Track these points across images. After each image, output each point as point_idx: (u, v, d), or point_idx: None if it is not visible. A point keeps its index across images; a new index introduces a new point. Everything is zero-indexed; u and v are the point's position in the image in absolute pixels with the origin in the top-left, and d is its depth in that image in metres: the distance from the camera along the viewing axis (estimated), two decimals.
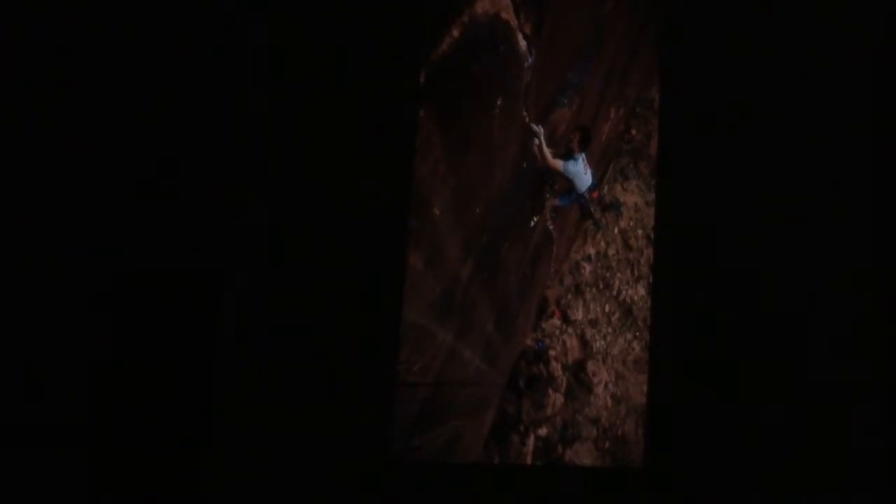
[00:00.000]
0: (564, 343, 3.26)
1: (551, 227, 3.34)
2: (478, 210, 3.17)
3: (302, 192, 3.04)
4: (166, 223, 2.93)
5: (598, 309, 3.28)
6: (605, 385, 3.18)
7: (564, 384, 3.20)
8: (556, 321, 3.28)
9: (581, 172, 3.29)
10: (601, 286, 3.31)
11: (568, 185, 3.31)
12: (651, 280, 3.18)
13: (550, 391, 3.19)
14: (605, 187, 3.36)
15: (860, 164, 2.88)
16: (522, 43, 3.17)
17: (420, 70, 3.08)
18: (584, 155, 3.29)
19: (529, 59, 3.19)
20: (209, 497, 2.87)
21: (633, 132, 3.38)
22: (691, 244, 2.96)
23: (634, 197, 3.33)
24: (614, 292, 3.29)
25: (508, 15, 3.14)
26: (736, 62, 2.96)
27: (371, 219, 3.02)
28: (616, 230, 3.33)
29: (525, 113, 3.22)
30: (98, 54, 2.94)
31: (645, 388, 3.07)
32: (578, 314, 3.28)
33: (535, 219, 3.30)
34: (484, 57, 3.14)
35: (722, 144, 2.95)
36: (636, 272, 3.27)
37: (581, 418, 3.16)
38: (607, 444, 3.11)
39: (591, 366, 3.21)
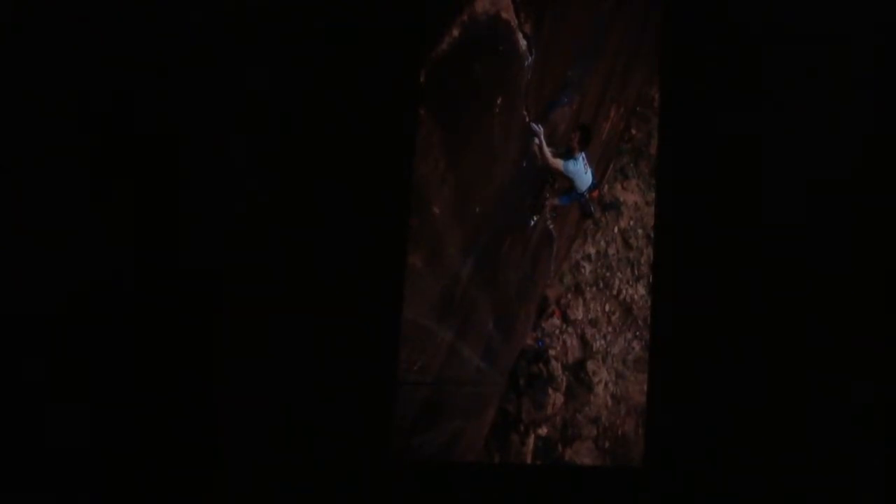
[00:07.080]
0: (564, 342, 3.26)
1: (551, 226, 3.34)
2: (478, 209, 3.17)
3: (302, 191, 3.04)
4: (166, 223, 2.93)
5: (598, 308, 3.28)
6: (605, 384, 3.18)
7: (564, 383, 3.20)
8: (556, 320, 3.28)
9: (581, 171, 3.29)
10: (601, 285, 3.31)
11: (568, 184, 3.31)
12: (651, 279, 3.18)
13: (550, 390, 3.19)
14: (606, 186, 3.36)
15: (862, 163, 2.88)
16: (522, 42, 3.17)
17: (420, 70, 3.08)
18: (584, 154, 3.29)
19: (529, 59, 3.18)
20: (209, 496, 2.88)
21: (634, 131, 3.38)
22: (691, 244, 2.95)
23: (634, 196, 3.33)
24: (614, 291, 3.29)
25: (508, 14, 3.13)
26: (736, 61, 2.95)
27: (371, 218, 3.02)
28: (616, 229, 3.33)
29: (525, 112, 3.22)
30: (97, 52, 2.94)
31: (645, 387, 3.07)
32: (578, 313, 3.28)
33: (535, 218, 3.30)
34: (484, 56, 3.13)
35: (722, 144, 2.95)
36: (636, 271, 3.27)
37: (581, 418, 3.16)
38: (607, 444, 3.11)
39: (591, 365, 3.21)
